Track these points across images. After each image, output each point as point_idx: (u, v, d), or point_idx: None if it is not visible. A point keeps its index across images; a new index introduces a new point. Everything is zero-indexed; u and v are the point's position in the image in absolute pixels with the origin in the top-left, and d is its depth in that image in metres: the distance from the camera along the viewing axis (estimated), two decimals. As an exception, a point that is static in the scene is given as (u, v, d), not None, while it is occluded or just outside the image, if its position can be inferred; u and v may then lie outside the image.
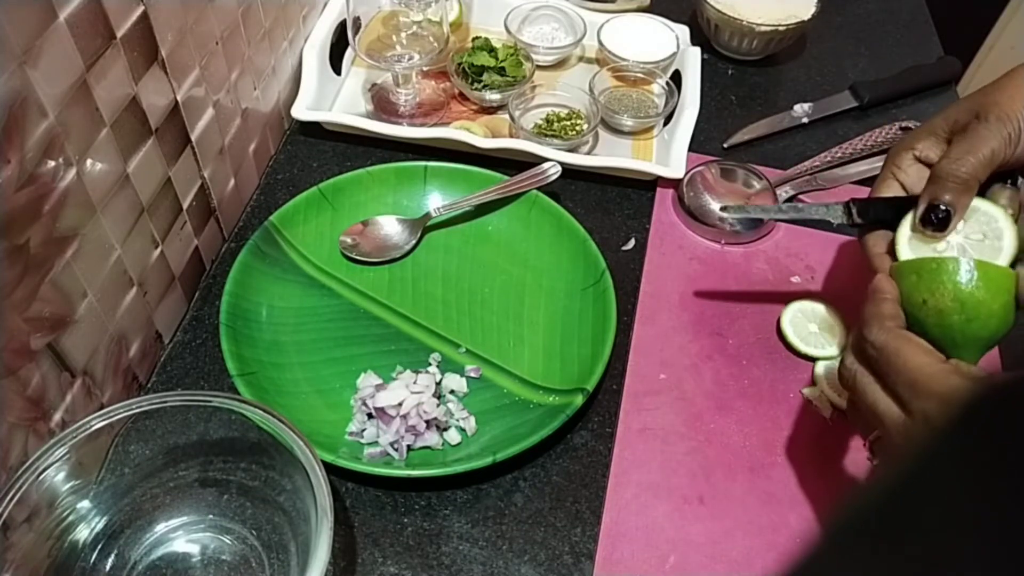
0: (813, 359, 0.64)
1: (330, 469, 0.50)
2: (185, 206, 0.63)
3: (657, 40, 0.87)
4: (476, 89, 0.81)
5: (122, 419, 0.48)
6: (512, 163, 0.75)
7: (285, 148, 0.79)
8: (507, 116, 0.79)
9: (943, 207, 0.52)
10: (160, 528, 0.52)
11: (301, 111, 0.76)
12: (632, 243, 0.73)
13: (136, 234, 0.56)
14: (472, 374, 0.62)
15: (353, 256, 0.68)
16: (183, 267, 0.64)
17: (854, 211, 0.57)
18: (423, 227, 0.70)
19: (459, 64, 0.82)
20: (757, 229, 0.73)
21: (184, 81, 0.59)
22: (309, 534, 0.46)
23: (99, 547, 0.50)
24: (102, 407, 0.51)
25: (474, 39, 0.84)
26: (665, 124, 0.82)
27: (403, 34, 0.79)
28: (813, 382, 0.63)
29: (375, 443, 0.57)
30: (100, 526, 0.50)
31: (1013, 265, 0.50)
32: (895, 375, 0.44)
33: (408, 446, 0.57)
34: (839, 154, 0.80)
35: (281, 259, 0.67)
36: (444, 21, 0.78)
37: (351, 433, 0.58)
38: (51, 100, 0.45)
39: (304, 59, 0.78)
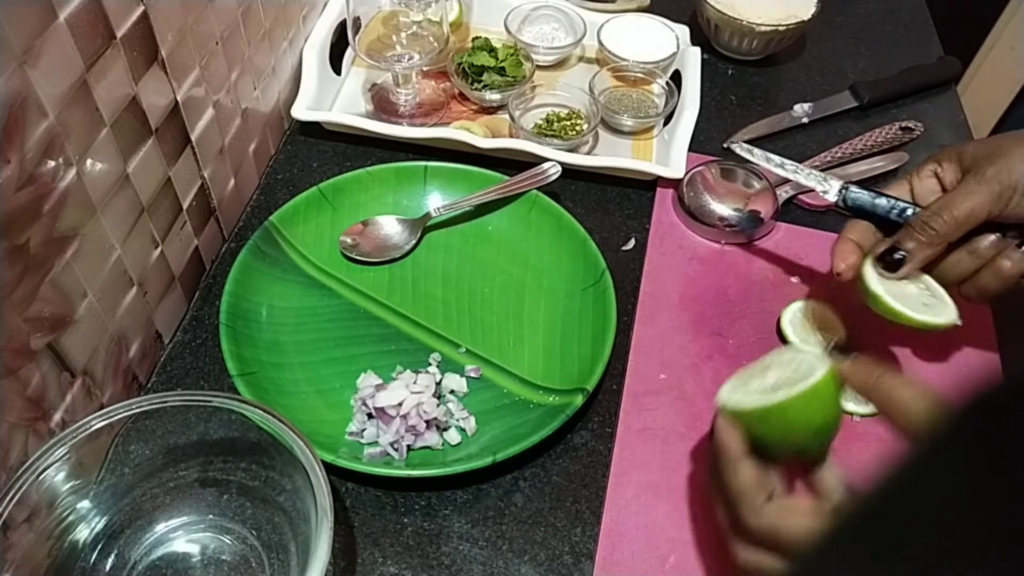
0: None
1: (330, 469, 0.50)
2: (185, 206, 0.63)
3: (657, 40, 0.87)
4: (476, 89, 0.81)
5: (122, 419, 0.48)
6: (512, 163, 0.75)
7: (285, 148, 0.79)
8: (507, 116, 0.79)
9: (900, 253, 0.56)
10: (160, 528, 0.52)
11: (301, 111, 0.76)
12: (632, 243, 0.73)
13: (136, 234, 0.56)
14: (472, 374, 0.62)
15: (353, 256, 0.68)
16: (183, 267, 0.64)
17: (845, 195, 0.60)
18: (423, 227, 0.70)
19: (459, 64, 0.82)
20: (757, 229, 0.73)
21: (184, 81, 0.59)
22: (309, 534, 0.46)
23: (99, 547, 0.50)
24: (102, 407, 0.51)
25: (474, 39, 0.84)
26: (665, 124, 0.82)
27: (403, 34, 0.79)
28: None
29: (375, 443, 0.57)
30: (100, 526, 0.51)
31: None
32: (787, 548, 0.45)
33: (408, 446, 0.57)
34: (839, 154, 0.80)
35: (281, 259, 0.67)
36: (444, 21, 0.78)
37: (351, 433, 0.58)
38: (51, 100, 0.45)
39: (304, 59, 0.78)
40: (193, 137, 0.62)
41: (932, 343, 0.65)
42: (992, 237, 0.56)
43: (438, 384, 0.60)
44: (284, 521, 0.51)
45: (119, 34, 0.50)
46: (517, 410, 0.60)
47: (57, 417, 0.51)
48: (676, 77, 0.85)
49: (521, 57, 0.83)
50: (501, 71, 0.81)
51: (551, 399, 0.59)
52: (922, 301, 0.57)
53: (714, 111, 0.85)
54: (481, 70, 0.81)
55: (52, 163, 0.46)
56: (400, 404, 0.56)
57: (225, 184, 0.69)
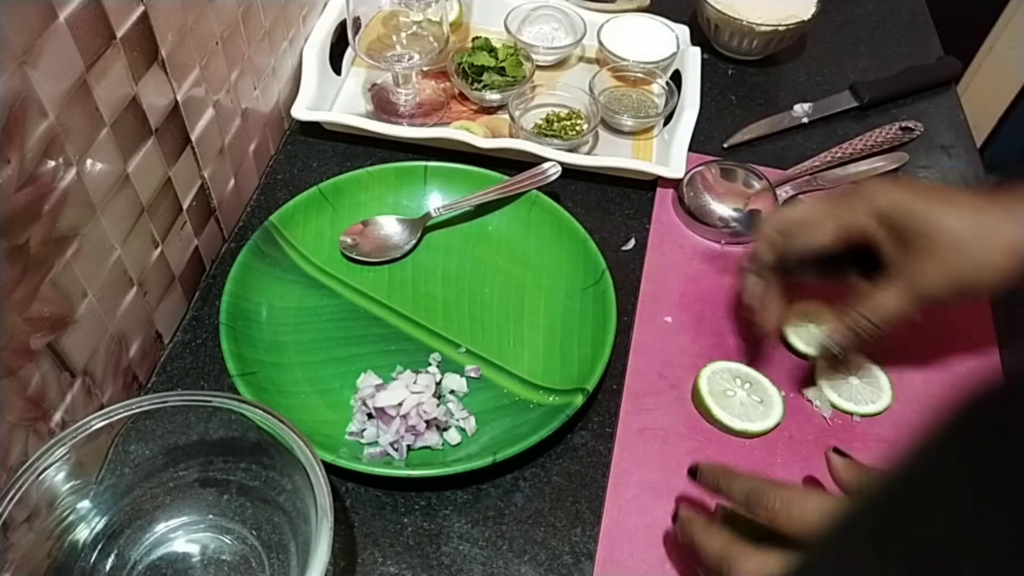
0: (813, 359, 0.64)
1: (330, 469, 0.50)
2: (185, 206, 0.63)
3: (657, 40, 0.87)
4: (476, 89, 0.81)
5: (122, 419, 0.48)
6: (512, 163, 0.75)
7: (285, 148, 0.79)
8: (507, 116, 0.79)
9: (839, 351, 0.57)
10: (160, 528, 0.52)
11: (301, 111, 0.76)
12: (632, 243, 0.73)
13: (136, 234, 0.56)
14: (472, 374, 0.62)
15: (353, 256, 0.68)
16: (183, 267, 0.64)
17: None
18: (423, 227, 0.70)
19: (459, 64, 0.82)
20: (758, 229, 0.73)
21: (184, 81, 0.59)
22: (309, 534, 0.46)
23: (99, 547, 0.50)
24: (102, 407, 0.51)
25: (474, 39, 0.84)
26: (665, 124, 0.82)
27: (403, 34, 0.79)
28: (813, 382, 0.63)
29: (375, 443, 0.57)
30: (100, 526, 0.50)
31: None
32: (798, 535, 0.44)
33: (408, 446, 0.57)
34: (839, 154, 0.80)
35: (281, 259, 0.67)
36: (444, 21, 0.78)
37: (351, 433, 0.58)
38: (51, 100, 0.45)
39: (304, 59, 0.78)
40: (193, 137, 0.62)
41: (933, 343, 0.65)
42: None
43: (438, 384, 0.60)
44: (284, 521, 0.51)
45: (119, 34, 0.50)
46: (517, 410, 0.60)
47: (57, 417, 0.51)
48: (676, 77, 0.85)
49: (521, 57, 0.83)
50: (501, 71, 0.81)
51: (551, 399, 0.59)
52: (748, 406, 0.60)
53: (714, 111, 0.85)
54: (481, 70, 0.81)
55: (52, 163, 0.46)
56: (400, 404, 0.56)
57: (225, 184, 0.69)
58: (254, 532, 0.52)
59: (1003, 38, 1.66)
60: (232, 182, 0.70)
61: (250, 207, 0.74)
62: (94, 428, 0.47)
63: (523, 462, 0.58)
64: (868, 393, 0.62)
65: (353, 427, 0.58)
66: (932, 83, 0.89)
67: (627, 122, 0.80)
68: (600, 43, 0.86)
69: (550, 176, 0.71)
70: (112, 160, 0.52)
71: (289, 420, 0.48)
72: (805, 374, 0.63)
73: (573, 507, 0.56)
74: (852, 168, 0.79)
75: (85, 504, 0.50)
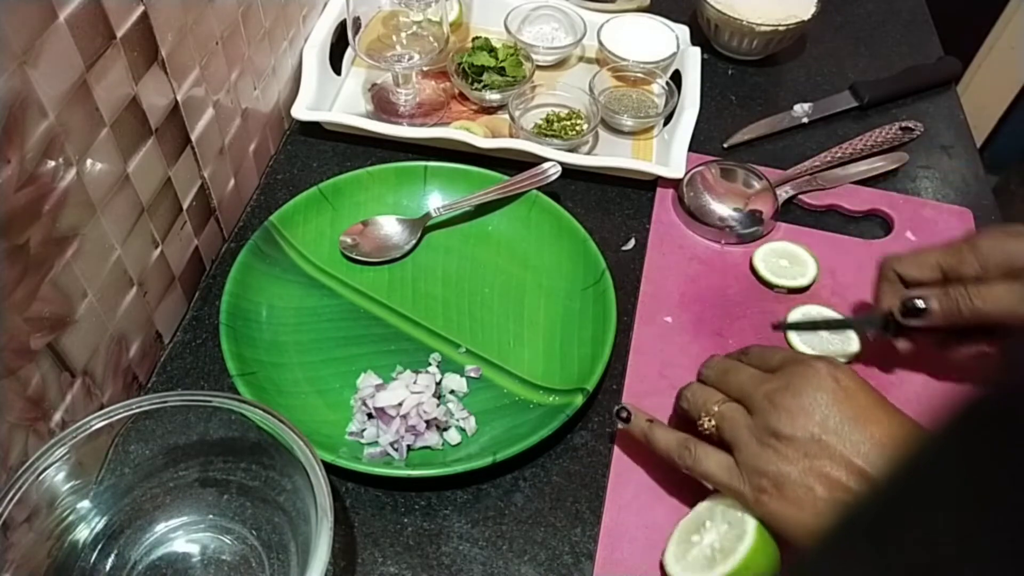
0: None
1: (330, 469, 0.50)
2: (185, 206, 0.63)
3: (657, 40, 0.87)
4: (476, 89, 0.81)
5: (122, 419, 0.48)
6: (512, 163, 0.75)
7: (285, 148, 0.79)
8: (507, 116, 0.79)
9: (923, 305, 0.56)
10: (160, 528, 0.52)
11: (301, 111, 0.76)
12: (632, 243, 0.73)
13: (136, 234, 0.56)
14: (472, 374, 0.62)
15: (353, 256, 0.68)
16: (183, 267, 0.64)
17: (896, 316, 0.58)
18: (423, 227, 0.70)
19: (459, 64, 0.82)
20: (757, 229, 0.73)
21: (184, 81, 0.59)
22: (309, 534, 0.46)
23: (99, 547, 0.50)
24: (102, 407, 0.51)
25: (474, 39, 0.84)
26: (665, 124, 0.82)
27: (403, 34, 0.79)
28: (784, 334, 0.63)
29: (375, 443, 0.57)
30: (100, 526, 0.50)
31: None
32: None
33: (408, 446, 0.57)
34: (839, 154, 0.80)
35: (281, 259, 0.67)
36: (444, 21, 0.78)
37: (351, 433, 0.58)
38: (51, 100, 0.45)
39: (304, 59, 0.78)
40: (193, 137, 0.62)
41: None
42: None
43: (438, 384, 0.60)
44: (284, 521, 0.51)
45: (119, 34, 0.50)
46: (517, 410, 0.60)
47: (57, 417, 0.51)
48: (676, 77, 0.85)
49: (521, 57, 0.83)
50: (501, 71, 0.81)
51: (551, 399, 0.59)
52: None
53: (714, 111, 0.85)
54: (481, 70, 0.81)
55: (52, 163, 0.46)
56: (400, 404, 0.56)
57: (225, 184, 0.69)
58: (254, 532, 0.52)
59: (1003, 38, 1.66)
60: (232, 182, 0.70)
61: (250, 207, 0.74)
62: (94, 428, 0.47)
63: (523, 462, 0.58)
64: (838, 344, 0.64)
65: (353, 427, 0.58)
66: (932, 83, 0.90)
67: (627, 122, 0.80)
68: (600, 43, 0.86)
69: (550, 176, 0.71)
70: (112, 160, 0.52)
71: (289, 420, 0.48)
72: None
73: (573, 507, 0.56)
74: (852, 168, 0.79)
75: (85, 504, 0.50)
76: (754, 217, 0.72)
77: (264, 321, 0.63)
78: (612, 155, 0.78)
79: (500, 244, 0.70)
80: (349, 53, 0.86)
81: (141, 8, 0.52)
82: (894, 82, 0.88)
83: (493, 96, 0.81)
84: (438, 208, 0.70)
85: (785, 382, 0.50)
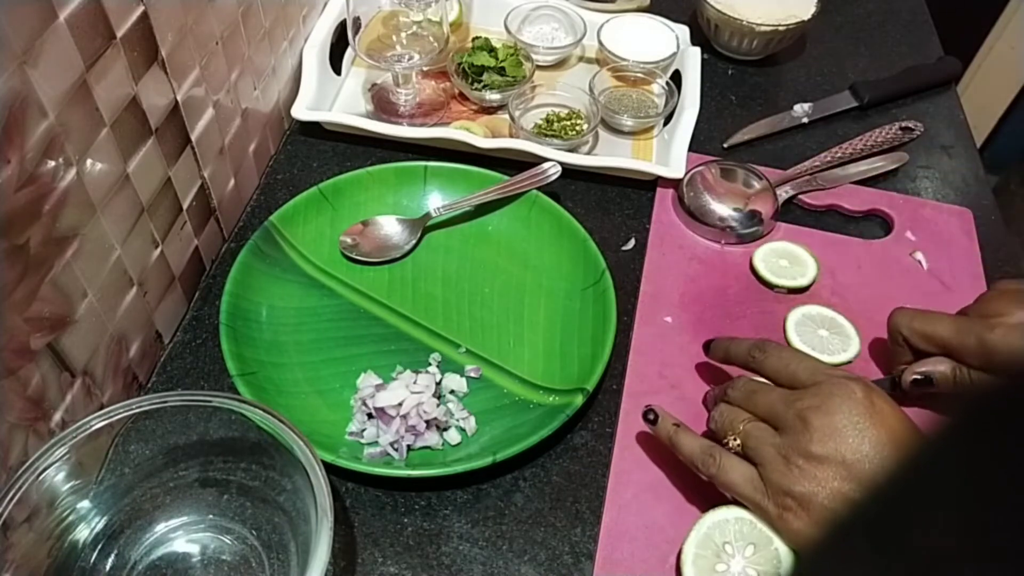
0: None
1: (330, 469, 0.50)
2: (185, 206, 0.63)
3: (657, 40, 0.87)
4: (476, 89, 0.81)
5: (122, 419, 0.48)
6: (512, 163, 0.75)
7: (285, 148, 0.79)
8: (507, 116, 0.79)
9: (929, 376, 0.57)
10: (160, 528, 0.52)
11: (301, 111, 0.76)
12: (632, 243, 0.73)
13: (136, 234, 0.56)
14: (472, 374, 0.62)
15: (353, 256, 0.68)
16: (183, 267, 0.64)
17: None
18: (423, 227, 0.70)
19: (459, 64, 0.82)
20: (757, 229, 0.73)
21: (184, 81, 0.59)
22: (309, 534, 0.46)
23: (99, 547, 0.50)
24: (102, 407, 0.51)
25: (474, 39, 0.84)
26: (665, 124, 0.82)
27: (403, 34, 0.79)
28: (785, 335, 0.63)
29: (375, 443, 0.57)
30: (100, 526, 0.50)
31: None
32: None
33: (408, 446, 0.57)
34: (839, 154, 0.80)
35: (281, 259, 0.67)
36: (444, 21, 0.78)
37: (351, 433, 0.58)
38: (51, 100, 0.45)
39: (304, 59, 0.78)
40: (193, 137, 0.62)
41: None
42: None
43: (438, 384, 0.60)
44: (284, 521, 0.51)
45: (119, 34, 0.50)
46: (517, 410, 0.60)
47: (57, 417, 0.51)
48: (676, 77, 0.85)
49: (521, 57, 0.83)
50: (501, 71, 0.81)
51: (551, 399, 0.59)
52: None
53: (714, 111, 0.85)
54: (481, 70, 0.81)
55: (52, 163, 0.46)
56: (400, 404, 0.56)
57: (225, 184, 0.69)
58: (254, 532, 0.52)
59: (1003, 38, 1.66)
60: (232, 182, 0.70)
61: (250, 207, 0.74)
62: (94, 428, 0.47)
63: (523, 462, 0.58)
64: (837, 344, 0.64)
65: (353, 427, 0.58)
66: (932, 83, 0.90)
67: (627, 122, 0.80)
68: (600, 43, 0.86)
69: (550, 176, 0.71)
70: (112, 160, 0.52)
71: (289, 420, 0.48)
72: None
73: (573, 507, 0.56)
74: (852, 168, 0.79)
75: (85, 504, 0.50)
76: (754, 217, 0.72)
77: (264, 321, 0.63)
78: (612, 155, 0.78)
79: (500, 244, 0.70)
80: (349, 53, 0.86)
81: (141, 8, 0.52)
82: (894, 82, 0.88)
83: (493, 96, 0.81)
84: (438, 208, 0.70)
85: (819, 401, 0.49)
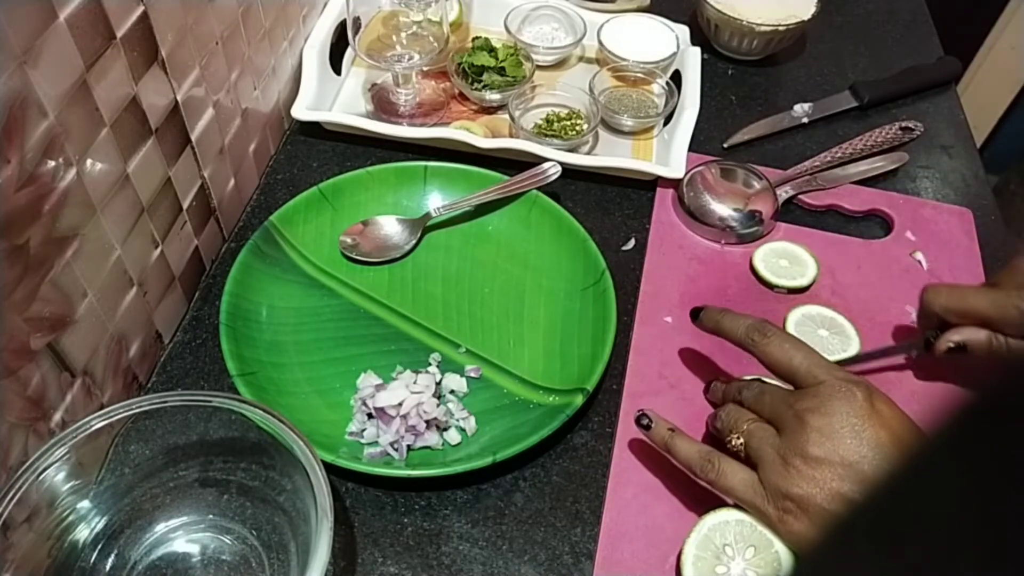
0: None
1: (330, 469, 0.50)
2: (185, 206, 0.63)
3: (657, 40, 0.87)
4: (476, 89, 0.81)
5: (122, 419, 0.48)
6: (512, 163, 0.75)
7: (285, 148, 0.79)
8: (507, 116, 0.79)
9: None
10: (160, 528, 0.52)
11: (301, 111, 0.76)
12: (632, 243, 0.73)
13: (136, 234, 0.56)
14: (472, 374, 0.62)
15: (353, 256, 0.68)
16: (183, 267, 0.64)
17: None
18: (423, 227, 0.70)
19: (459, 64, 0.82)
20: (757, 229, 0.73)
21: (184, 81, 0.59)
22: (309, 534, 0.46)
23: (99, 547, 0.50)
24: (102, 407, 0.51)
25: (474, 39, 0.84)
26: (665, 124, 0.82)
27: (403, 34, 0.79)
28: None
29: (375, 443, 0.57)
30: (100, 526, 0.50)
31: None
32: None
33: (408, 446, 0.57)
34: (839, 154, 0.80)
35: (281, 259, 0.67)
36: (444, 21, 0.78)
37: (351, 433, 0.58)
38: (51, 100, 0.45)
39: (304, 59, 0.78)
40: (193, 137, 0.62)
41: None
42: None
43: (438, 384, 0.60)
44: (284, 521, 0.51)
45: (119, 34, 0.50)
46: (517, 410, 0.60)
47: (57, 417, 0.51)
48: (676, 77, 0.85)
49: (521, 57, 0.83)
50: (501, 71, 0.81)
51: (551, 399, 0.59)
52: None
53: (714, 111, 0.85)
54: (481, 70, 0.81)
55: (52, 163, 0.46)
56: (400, 404, 0.56)
57: (225, 184, 0.69)
58: (254, 532, 0.52)
59: (1003, 38, 1.66)
60: (232, 182, 0.70)
61: (250, 207, 0.74)
62: (94, 428, 0.47)
63: (523, 462, 0.58)
64: (837, 344, 0.64)
65: (353, 427, 0.58)
66: (932, 83, 0.90)
67: (627, 122, 0.80)
68: (600, 43, 0.86)
69: (550, 176, 0.71)
70: (112, 160, 0.52)
71: (289, 420, 0.48)
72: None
73: (573, 507, 0.56)
74: (852, 168, 0.79)
75: (85, 504, 0.50)
76: (754, 217, 0.72)
77: (264, 321, 0.63)
78: (612, 155, 0.78)
79: (500, 244, 0.70)
80: (349, 53, 0.86)
81: (141, 8, 0.52)
82: (894, 82, 0.88)
83: (493, 96, 0.81)
84: (438, 208, 0.70)
85: (818, 403, 0.49)
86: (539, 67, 0.85)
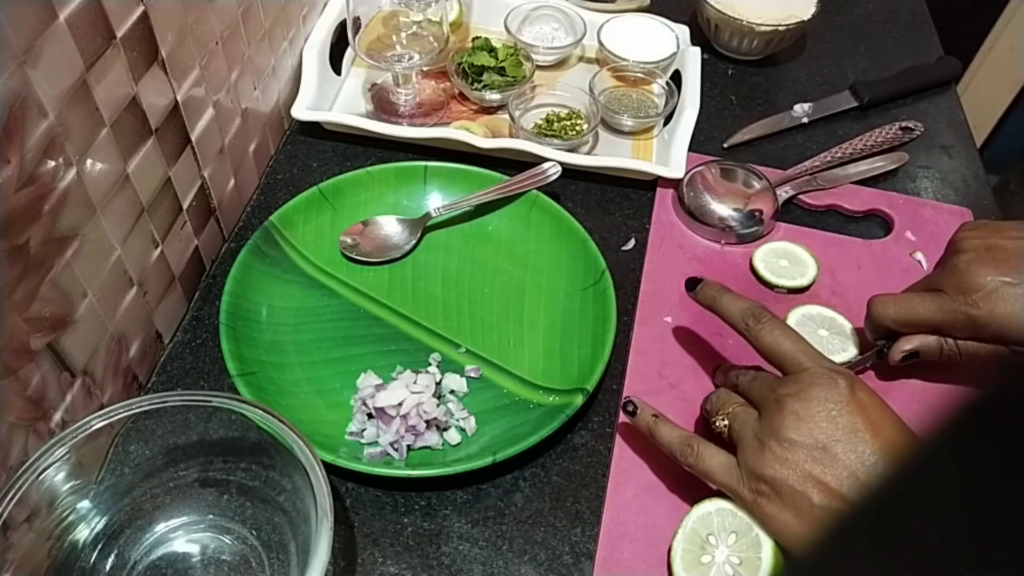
0: None
1: (330, 469, 0.50)
2: (185, 206, 0.63)
3: (657, 40, 0.87)
4: (476, 89, 0.81)
5: (122, 419, 0.48)
6: (512, 163, 0.75)
7: (285, 148, 0.79)
8: (507, 116, 0.79)
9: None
10: (160, 528, 0.52)
11: (301, 111, 0.76)
12: (632, 243, 0.73)
13: (136, 234, 0.56)
14: (472, 374, 0.62)
15: (353, 256, 0.68)
16: (183, 267, 0.64)
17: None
18: (423, 227, 0.70)
19: (459, 64, 0.82)
20: (757, 229, 0.73)
21: (184, 81, 0.59)
22: (309, 534, 0.46)
23: (99, 547, 0.50)
24: (102, 407, 0.51)
25: (474, 39, 0.84)
26: (665, 124, 0.82)
27: (403, 34, 0.79)
28: None
29: (375, 443, 0.57)
30: (100, 526, 0.51)
31: None
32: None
33: (408, 446, 0.57)
34: (839, 154, 0.80)
35: (281, 259, 0.67)
36: (444, 21, 0.78)
37: (351, 433, 0.58)
38: (51, 100, 0.45)
39: (304, 59, 0.78)
40: (193, 137, 0.62)
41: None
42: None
43: (438, 384, 0.60)
44: (284, 521, 0.51)
45: (119, 34, 0.50)
46: (517, 410, 0.60)
47: (57, 417, 0.51)
48: (676, 77, 0.85)
49: (521, 57, 0.83)
50: (501, 71, 0.81)
51: (551, 399, 0.59)
52: None
53: (714, 111, 0.85)
54: (481, 70, 0.81)
55: (52, 163, 0.46)
56: (400, 404, 0.56)
57: (225, 184, 0.69)
58: (254, 532, 0.52)
59: (1003, 38, 1.66)
60: (232, 182, 0.70)
61: (250, 207, 0.74)
62: (94, 428, 0.47)
63: (523, 462, 0.58)
64: (837, 344, 0.64)
65: (353, 427, 0.58)
66: (932, 83, 0.90)
67: (627, 122, 0.80)
68: (600, 43, 0.86)
69: (550, 176, 0.71)
70: (112, 160, 0.52)
71: (289, 420, 0.48)
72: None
73: (573, 507, 0.56)
74: (852, 168, 0.79)
75: (85, 504, 0.50)
76: (754, 217, 0.72)
77: (264, 321, 0.63)
78: (612, 155, 0.78)
79: (500, 244, 0.70)
80: (349, 53, 0.86)
81: (141, 8, 0.52)
82: (894, 82, 0.88)
83: (493, 96, 0.81)
84: (438, 208, 0.70)
85: (798, 388, 0.50)
86: (539, 67, 0.85)
